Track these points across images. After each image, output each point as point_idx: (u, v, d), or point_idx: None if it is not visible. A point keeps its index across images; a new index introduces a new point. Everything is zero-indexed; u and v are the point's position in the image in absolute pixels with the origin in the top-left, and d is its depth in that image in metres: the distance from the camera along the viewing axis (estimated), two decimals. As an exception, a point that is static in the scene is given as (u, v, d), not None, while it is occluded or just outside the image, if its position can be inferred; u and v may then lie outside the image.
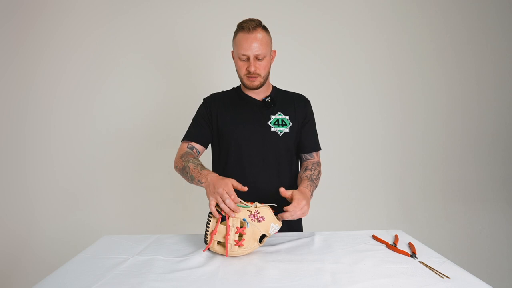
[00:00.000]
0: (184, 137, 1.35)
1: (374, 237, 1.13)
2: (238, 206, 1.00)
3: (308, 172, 1.29)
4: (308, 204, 1.09)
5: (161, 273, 0.88)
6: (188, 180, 1.20)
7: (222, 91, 1.43)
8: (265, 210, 1.02)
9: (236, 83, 1.43)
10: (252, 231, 0.98)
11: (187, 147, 1.31)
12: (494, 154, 2.48)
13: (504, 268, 2.36)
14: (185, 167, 1.19)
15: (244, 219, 0.99)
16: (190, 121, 1.40)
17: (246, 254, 1.00)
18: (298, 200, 1.05)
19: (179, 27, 2.35)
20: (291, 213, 1.03)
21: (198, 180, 1.12)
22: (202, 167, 1.16)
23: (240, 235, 0.98)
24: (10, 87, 2.28)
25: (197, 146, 1.32)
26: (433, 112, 2.46)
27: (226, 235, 0.97)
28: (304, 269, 0.89)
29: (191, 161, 1.19)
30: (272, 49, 1.33)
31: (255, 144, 1.28)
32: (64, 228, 2.26)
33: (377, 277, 0.84)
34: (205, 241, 0.99)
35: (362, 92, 2.44)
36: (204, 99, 1.40)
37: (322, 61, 2.41)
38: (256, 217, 1.00)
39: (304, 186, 1.18)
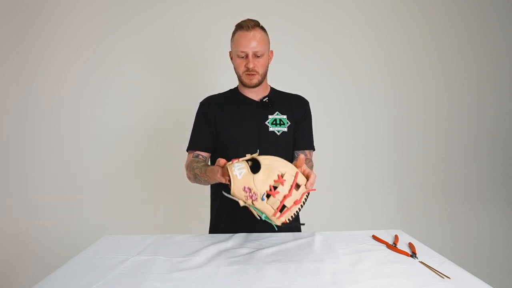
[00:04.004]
0: (188, 147, 1.36)
1: (374, 237, 1.13)
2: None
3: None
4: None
5: (161, 273, 0.88)
6: (206, 184, 1.25)
7: (219, 93, 1.42)
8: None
9: (236, 83, 1.43)
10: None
11: (192, 157, 1.32)
12: (494, 154, 2.48)
13: (504, 268, 2.36)
14: (195, 176, 1.22)
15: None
16: (190, 121, 1.40)
17: None
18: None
19: (179, 27, 2.35)
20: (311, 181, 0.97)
21: (205, 180, 1.18)
22: (205, 166, 1.20)
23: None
24: (10, 87, 2.28)
25: (203, 153, 1.33)
26: (433, 112, 2.46)
27: (290, 189, 0.88)
28: (304, 269, 0.89)
29: (195, 168, 1.21)
30: (270, 49, 1.33)
31: (253, 144, 1.28)
32: (64, 228, 2.26)
33: (377, 277, 0.84)
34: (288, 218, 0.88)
35: (362, 92, 2.44)
36: (201, 103, 1.40)
37: (322, 61, 2.41)
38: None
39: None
